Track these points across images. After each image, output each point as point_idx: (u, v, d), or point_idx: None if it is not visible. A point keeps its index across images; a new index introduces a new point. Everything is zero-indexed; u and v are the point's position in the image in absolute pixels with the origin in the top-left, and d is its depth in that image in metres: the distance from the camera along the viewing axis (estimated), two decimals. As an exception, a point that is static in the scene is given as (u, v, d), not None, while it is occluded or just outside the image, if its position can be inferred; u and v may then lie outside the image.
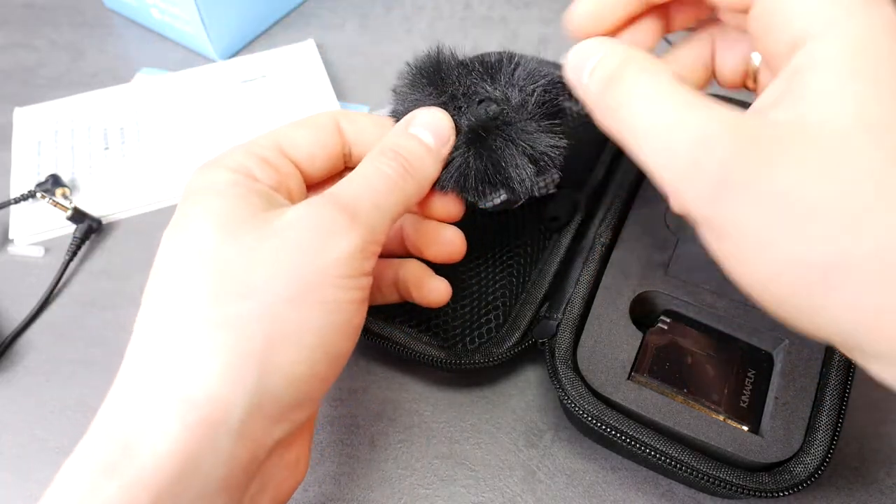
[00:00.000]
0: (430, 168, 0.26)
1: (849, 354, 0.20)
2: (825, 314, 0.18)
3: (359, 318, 0.23)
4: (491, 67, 0.28)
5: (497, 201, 0.28)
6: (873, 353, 0.18)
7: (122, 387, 0.21)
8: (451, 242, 0.29)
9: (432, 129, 0.26)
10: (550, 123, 0.28)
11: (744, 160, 0.18)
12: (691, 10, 0.26)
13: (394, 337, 0.31)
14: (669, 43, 0.36)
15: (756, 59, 0.25)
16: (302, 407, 0.22)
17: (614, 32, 0.26)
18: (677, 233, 0.33)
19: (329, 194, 0.23)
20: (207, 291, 0.21)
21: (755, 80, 0.25)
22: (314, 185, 0.28)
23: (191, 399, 0.20)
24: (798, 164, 0.17)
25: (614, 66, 0.22)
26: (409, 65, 0.29)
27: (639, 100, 0.21)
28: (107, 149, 0.44)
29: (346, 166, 0.28)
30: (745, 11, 0.21)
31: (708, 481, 0.26)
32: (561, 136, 0.27)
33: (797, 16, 0.19)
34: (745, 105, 0.24)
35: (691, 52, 0.27)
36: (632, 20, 0.26)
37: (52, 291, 0.37)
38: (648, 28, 0.26)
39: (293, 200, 0.25)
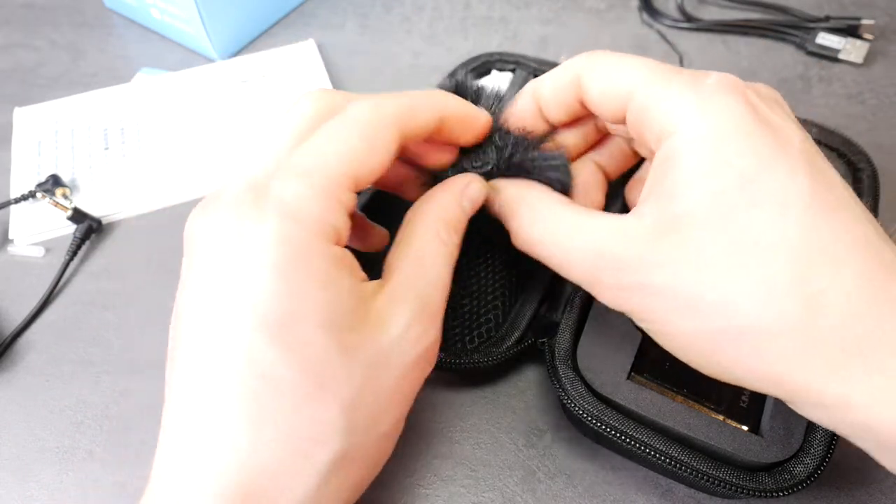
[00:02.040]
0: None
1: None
2: (735, 371, 0.21)
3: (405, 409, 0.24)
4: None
5: None
6: (789, 400, 0.21)
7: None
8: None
9: (475, 201, 0.27)
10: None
11: (630, 264, 0.22)
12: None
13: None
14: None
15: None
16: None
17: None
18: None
19: (428, 310, 0.23)
20: (342, 421, 0.20)
21: None
22: None
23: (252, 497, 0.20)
24: (672, 260, 0.21)
25: (509, 203, 0.26)
26: None
27: (535, 225, 0.25)
28: (107, 149, 0.44)
29: None
30: (620, 121, 0.25)
31: (708, 481, 0.26)
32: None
33: (660, 114, 0.22)
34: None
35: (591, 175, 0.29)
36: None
37: (52, 291, 0.37)
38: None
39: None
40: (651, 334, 0.23)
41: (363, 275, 0.22)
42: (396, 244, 0.24)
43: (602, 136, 0.29)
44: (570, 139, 0.29)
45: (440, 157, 0.27)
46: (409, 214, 0.25)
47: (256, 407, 0.19)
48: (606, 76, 0.24)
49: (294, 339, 0.19)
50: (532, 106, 0.27)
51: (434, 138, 0.26)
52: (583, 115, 0.27)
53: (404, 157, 0.27)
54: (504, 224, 0.26)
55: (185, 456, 0.19)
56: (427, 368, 0.24)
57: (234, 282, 0.19)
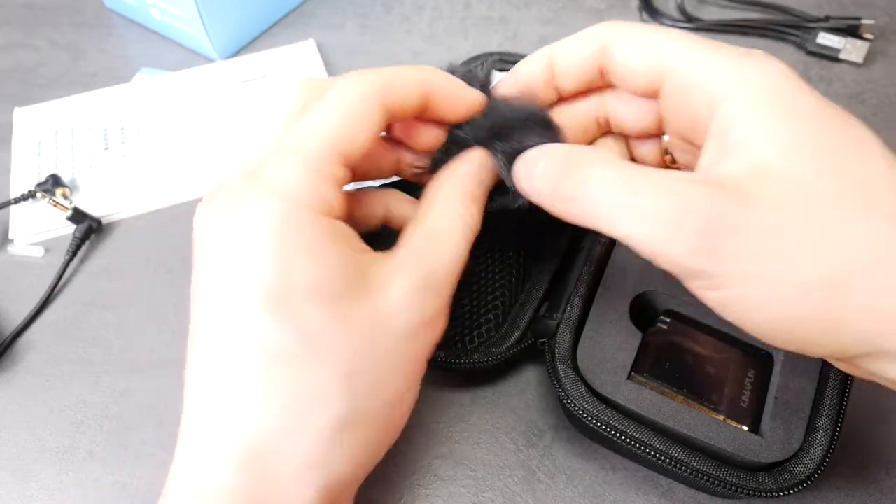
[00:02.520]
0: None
1: (868, 367, 0.20)
2: (842, 328, 0.19)
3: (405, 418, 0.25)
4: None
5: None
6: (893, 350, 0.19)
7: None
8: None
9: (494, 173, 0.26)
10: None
11: (726, 209, 0.19)
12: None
13: (394, 337, 0.31)
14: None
15: (665, 140, 0.27)
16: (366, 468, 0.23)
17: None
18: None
19: (433, 282, 0.23)
20: (343, 386, 0.21)
21: (673, 160, 0.27)
22: None
23: (252, 462, 0.20)
24: (773, 203, 0.19)
25: (561, 164, 0.23)
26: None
27: (601, 184, 0.22)
28: (107, 149, 0.44)
29: None
30: (655, 96, 0.24)
31: (708, 481, 0.26)
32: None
33: (710, 82, 0.21)
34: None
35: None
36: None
37: (52, 291, 0.37)
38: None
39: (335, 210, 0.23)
40: (725, 305, 0.21)
41: (363, 246, 0.23)
42: (413, 219, 0.25)
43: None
44: (573, 114, 0.28)
45: (428, 137, 0.27)
46: (427, 189, 0.26)
47: (263, 377, 0.20)
48: (639, 48, 0.23)
49: (289, 311, 0.20)
50: (544, 72, 0.26)
51: (422, 116, 0.25)
52: (592, 88, 0.27)
53: (395, 137, 0.27)
54: (546, 204, 0.24)
55: (203, 426, 0.21)
56: (431, 336, 0.23)
57: (234, 263, 0.21)
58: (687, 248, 0.20)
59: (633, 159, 0.28)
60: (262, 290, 0.20)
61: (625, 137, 0.28)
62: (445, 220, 0.24)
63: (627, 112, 0.26)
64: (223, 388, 0.21)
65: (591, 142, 0.29)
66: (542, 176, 0.24)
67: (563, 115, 0.27)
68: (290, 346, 0.20)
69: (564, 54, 0.26)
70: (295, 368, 0.20)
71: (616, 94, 0.26)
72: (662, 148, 0.27)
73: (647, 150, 0.28)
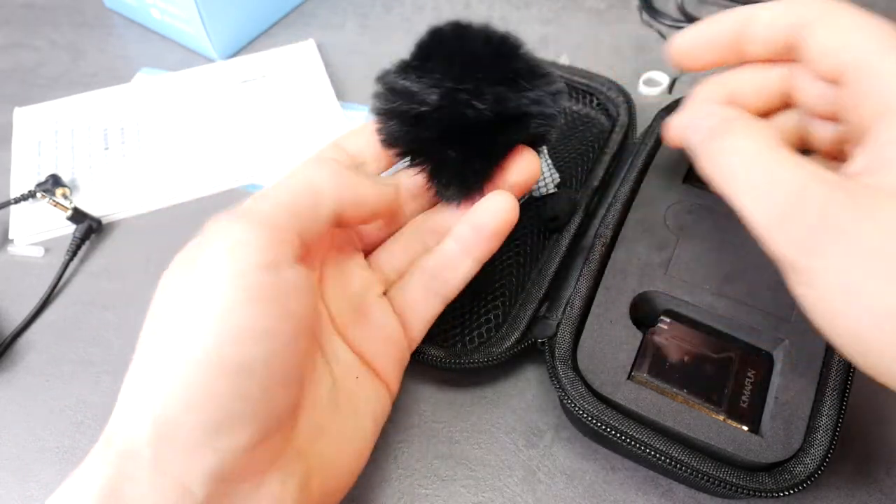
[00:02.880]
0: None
1: None
2: None
3: (268, 320, 0.21)
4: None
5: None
6: None
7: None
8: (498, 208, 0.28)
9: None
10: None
11: (839, 210, 0.19)
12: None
13: (394, 337, 0.31)
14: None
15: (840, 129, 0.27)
16: (225, 431, 0.20)
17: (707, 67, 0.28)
18: (677, 233, 0.33)
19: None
20: (146, 333, 0.22)
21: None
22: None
23: (112, 436, 0.21)
24: (893, 221, 0.18)
25: (720, 124, 0.24)
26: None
27: (740, 154, 0.23)
28: (107, 149, 0.44)
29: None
30: (836, 81, 0.24)
31: (708, 481, 0.26)
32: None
33: (887, 89, 0.21)
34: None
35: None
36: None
37: (52, 291, 0.37)
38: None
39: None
40: (812, 304, 0.21)
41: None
42: None
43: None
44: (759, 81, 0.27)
45: (372, 236, 0.30)
46: None
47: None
48: (841, 34, 0.23)
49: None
50: (732, 32, 0.26)
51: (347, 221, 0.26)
52: (776, 58, 0.26)
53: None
54: (695, 153, 0.25)
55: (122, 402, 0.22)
56: (220, 240, 0.22)
57: None
58: (789, 238, 0.20)
59: (807, 140, 0.28)
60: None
61: (807, 115, 0.28)
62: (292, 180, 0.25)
63: (811, 90, 0.26)
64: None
65: (768, 112, 0.28)
66: (698, 127, 0.25)
67: (745, 79, 0.28)
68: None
69: (759, 20, 0.26)
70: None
71: (804, 69, 0.26)
72: (839, 136, 0.26)
73: (825, 133, 0.27)
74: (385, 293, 0.29)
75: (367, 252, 0.31)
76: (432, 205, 0.31)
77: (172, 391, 0.20)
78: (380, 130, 0.29)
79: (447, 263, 0.29)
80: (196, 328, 0.20)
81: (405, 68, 0.29)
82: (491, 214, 0.28)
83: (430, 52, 0.29)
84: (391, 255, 0.30)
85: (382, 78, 0.29)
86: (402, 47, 0.52)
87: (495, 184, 0.29)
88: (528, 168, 0.29)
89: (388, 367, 0.28)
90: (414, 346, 0.29)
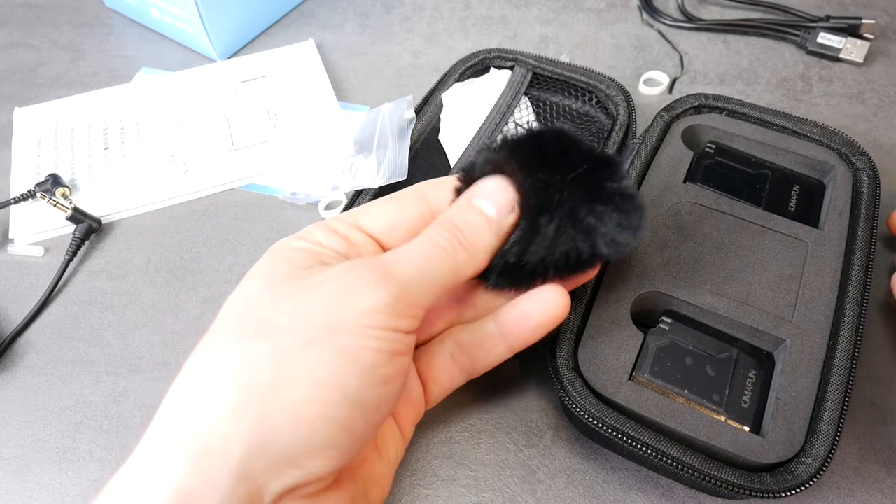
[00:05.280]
0: (487, 240, 0.25)
1: None
2: None
3: (388, 369, 0.22)
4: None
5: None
6: None
7: (155, 420, 0.22)
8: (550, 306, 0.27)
9: (495, 200, 0.26)
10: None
11: None
12: None
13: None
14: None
15: None
16: (317, 455, 0.21)
17: None
18: (677, 233, 0.33)
19: (373, 257, 0.24)
20: (233, 331, 0.22)
21: None
22: None
23: (197, 432, 0.20)
24: None
25: None
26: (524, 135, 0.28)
27: None
28: (107, 149, 0.44)
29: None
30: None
31: (709, 482, 0.26)
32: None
33: None
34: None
35: None
36: None
37: (52, 291, 0.37)
38: None
39: None
40: None
41: (338, 260, 0.25)
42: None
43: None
44: None
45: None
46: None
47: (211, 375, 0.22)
48: None
49: (239, 287, 0.24)
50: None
51: None
52: None
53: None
54: None
55: (178, 398, 0.22)
56: (353, 294, 0.23)
57: (252, 270, 0.25)
58: None
59: None
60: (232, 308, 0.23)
61: None
62: (423, 242, 0.25)
63: None
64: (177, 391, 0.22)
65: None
66: None
67: None
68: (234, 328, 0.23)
69: None
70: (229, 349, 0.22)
71: None
72: None
73: None
74: None
75: None
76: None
77: (286, 405, 0.21)
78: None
79: (482, 343, 0.28)
80: (326, 357, 0.21)
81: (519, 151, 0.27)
82: (541, 307, 0.27)
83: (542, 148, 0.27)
84: (425, 317, 0.29)
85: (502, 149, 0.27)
86: (402, 47, 0.52)
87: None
88: (588, 276, 0.29)
89: (405, 421, 0.28)
90: (430, 408, 0.29)
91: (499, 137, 0.29)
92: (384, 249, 0.26)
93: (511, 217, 0.26)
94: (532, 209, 0.25)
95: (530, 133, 0.27)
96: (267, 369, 0.21)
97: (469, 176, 0.27)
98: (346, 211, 0.26)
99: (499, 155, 0.26)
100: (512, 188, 0.26)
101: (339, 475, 0.23)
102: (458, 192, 0.27)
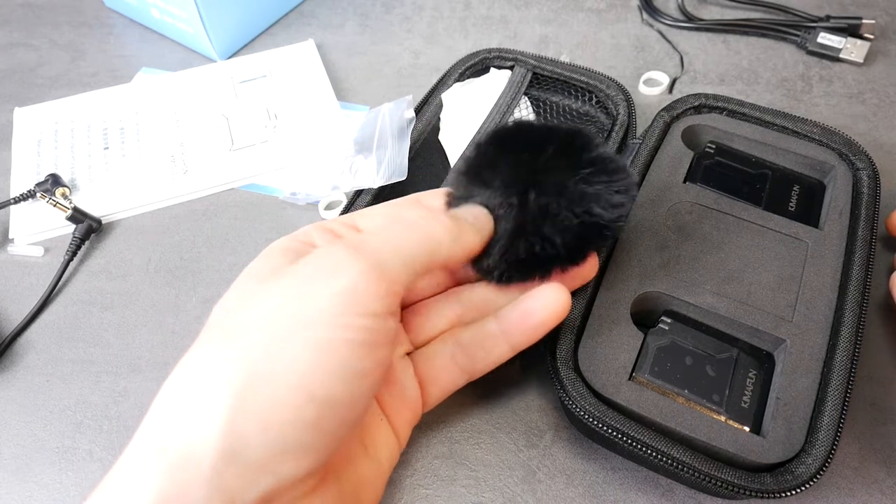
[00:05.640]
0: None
1: None
2: None
3: (364, 362, 0.22)
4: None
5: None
6: None
7: (140, 428, 0.21)
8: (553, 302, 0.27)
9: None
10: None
11: None
12: None
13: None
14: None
15: None
16: (287, 458, 0.20)
17: None
18: (678, 233, 0.33)
19: (349, 241, 0.23)
20: (213, 334, 0.22)
21: None
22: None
23: (167, 445, 0.20)
24: None
25: None
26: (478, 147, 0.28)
27: None
28: (107, 149, 0.44)
29: None
30: None
31: (709, 482, 0.26)
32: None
33: None
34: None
35: None
36: None
37: (52, 291, 0.37)
38: None
39: None
40: None
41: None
42: None
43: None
44: None
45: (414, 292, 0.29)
46: None
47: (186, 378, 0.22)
48: None
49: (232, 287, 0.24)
50: None
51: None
52: None
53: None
54: None
55: (156, 410, 0.22)
56: (327, 280, 0.22)
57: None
58: None
59: None
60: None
61: None
62: (392, 218, 0.25)
63: None
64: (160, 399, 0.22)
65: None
66: None
67: None
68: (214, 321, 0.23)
69: None
70: (208, 338, 0.22)
71: None
72: None
73: None
74: (409, 354, 0.29)
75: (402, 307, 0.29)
76: (479, 278, 0.29)
77: (253, 409, 0.20)
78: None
79: (483, 343, 0.28)
80: (295, 355, 0.20)
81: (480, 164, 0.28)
82: (543, 305, 0.27)
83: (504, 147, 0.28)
84: (425, 318, 0.29)
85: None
86: (402, 47, 0.52)
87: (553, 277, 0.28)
88: (590, 273, 0.29)
89: (400, 423, 0.27)
90: (428, 409, 0.29)
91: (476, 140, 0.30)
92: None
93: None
94: (513, 186, 0.26)
95: (495, 130, 0.28)
96: (236, 374, 0.20)
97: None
98: (345, 213, 0.27)
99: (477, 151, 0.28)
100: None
101: (322, 477, 0.23)
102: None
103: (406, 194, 0.29)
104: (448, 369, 0.28)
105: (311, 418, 0.20)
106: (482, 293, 0.29)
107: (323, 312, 0.21)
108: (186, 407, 0.20)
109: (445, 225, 0.24)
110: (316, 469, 0.21)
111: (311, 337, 0.21)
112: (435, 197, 0.28)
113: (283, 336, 0.21)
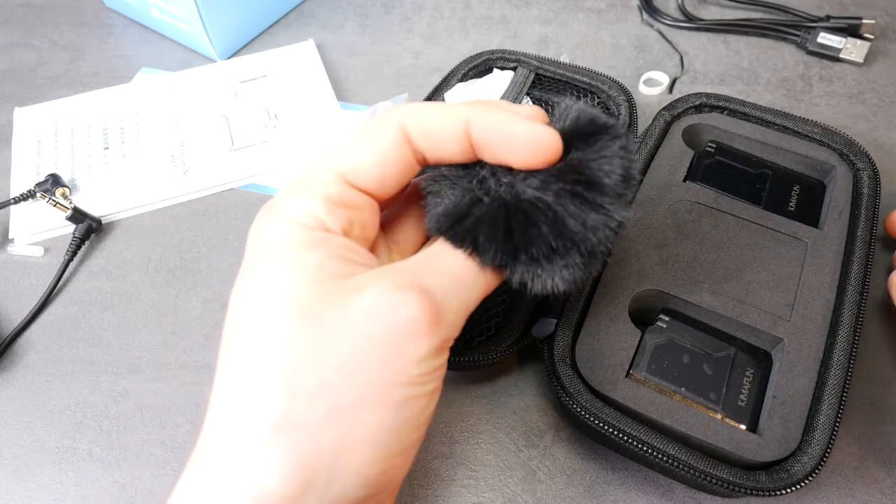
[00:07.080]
0: None
1: None
2: None
3: (432, 407, 0.22)
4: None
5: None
6: None
7: (195, 477, 0.21)
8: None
9: None
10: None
11: None
12: None
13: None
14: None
15: None
16: (374, 498, 0.22)
17: None
18: (677, 231, 0.33)
19: (418, 285, 0.21)
20: (282, 386, 0.20)
21: None
22: (388, 200, 0.25)
23: (262, 499, 0.19)
24: None
25: None
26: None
27: None
28: (107, 149, 0.44)
29: (422, 167, 0.25)
30: None
31: (705, 479, 0.26)
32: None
33: None
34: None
35: None
36: None
37: (52, 291, 0.37)
38: None
39: (367, 237, 0.24)
40: None
41: (354, 255, 0.23)
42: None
43: None
44: None
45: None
46: None
47: (229, 374, 0.21)
48: None
49: (255, 311, 0.22)
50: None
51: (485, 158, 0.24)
52: None
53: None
54: None
55: (227, 457, 0.21)
56: (407, 342, 0.21)
57: (258, 271, 0.23)
58: None
59: None
60: (237, 296, 0.22)
61: None
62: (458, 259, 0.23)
63: None
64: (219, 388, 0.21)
65: None
66: None
67: None
68: (247, 340, 0.21)
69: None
70: (248, 361, 0.21)
71: None
72: None
73: None
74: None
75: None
76: None
77: (351, 471, 0.20)
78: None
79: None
80: (386, 413, 0.21)
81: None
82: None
83: None
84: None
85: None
86: (402, 47, 0.52)
87: None
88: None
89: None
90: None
91: None
92: (378, 201, 0.24)
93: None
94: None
95: None
96: (328, 436, 0.20)
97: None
98: (322, 161, 0.23)
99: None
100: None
101: None
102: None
103: None
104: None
105: (398, 467, 0.22)
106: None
107: (405, 375, 0.21)
108: (280, 462, 0.20)
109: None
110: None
111: (395, 397, 0.21)
112: (420, 117, 0.24)
113: (369, 397, 0.20)
